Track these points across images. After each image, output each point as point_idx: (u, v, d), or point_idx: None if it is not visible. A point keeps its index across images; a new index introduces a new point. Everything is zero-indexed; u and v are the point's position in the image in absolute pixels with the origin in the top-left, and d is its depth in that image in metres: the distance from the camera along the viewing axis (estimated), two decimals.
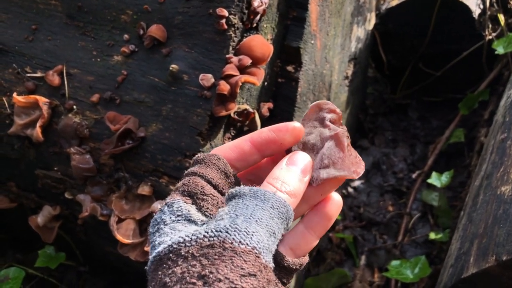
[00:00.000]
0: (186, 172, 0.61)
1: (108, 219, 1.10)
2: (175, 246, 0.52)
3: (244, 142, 0.62)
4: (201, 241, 0.51)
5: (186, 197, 0.58)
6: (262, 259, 0.51)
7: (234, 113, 1.10)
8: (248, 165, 0.64)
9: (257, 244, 0.51)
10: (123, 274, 1.54)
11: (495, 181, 1.15)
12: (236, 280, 0.48)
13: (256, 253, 0.51)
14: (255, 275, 0.50)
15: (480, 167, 1.33)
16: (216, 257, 0.49)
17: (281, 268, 0.59)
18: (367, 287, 1.66)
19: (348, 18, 1.51)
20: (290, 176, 0.59)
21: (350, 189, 1.90)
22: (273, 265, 0.55)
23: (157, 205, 1.06)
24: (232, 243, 0.50)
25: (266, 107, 1.21)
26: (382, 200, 1.87)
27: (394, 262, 1.51)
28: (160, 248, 0.53)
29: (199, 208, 0.57)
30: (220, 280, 0.48)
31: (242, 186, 0.58)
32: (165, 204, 0.58)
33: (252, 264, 0.50)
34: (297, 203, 0.60)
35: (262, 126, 1.18)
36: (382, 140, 2.03)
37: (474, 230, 1.13)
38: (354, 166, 0.62)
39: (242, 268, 0.49)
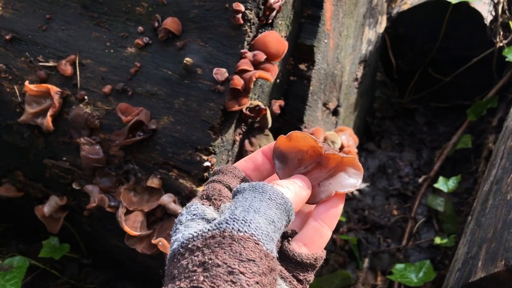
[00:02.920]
0: (205, 183, 0.65)
1: (115, 211, 1.10)
2: (185, 242, 0.54)
3: (256, 154, 0.68)
4: (205, 234, 0.53)
5: (204, 200, 0.61)
6: (263, 247, 0.52)
7: (246, 108, 1.10)
8: (263, 176, 0.68)
9: (255, 231, 0.53)
10: (125, 268, 1.53)
11: (505, 186, 1.14)
12: (234, 264, 0.49)
13: (255, 240, 0.52)
14: (254, 261, 0.51)
15: (489, 173, 1.32)
16: (216, 245, 0.51)
17: (295, 264, 0.60)
18: None
19: (360, 20, 1.51)
20: (290, 183, 0.62)
21: (355, 192, 1.90)
22: (276, 254, 0.56)
23: (166, 198, 1.05)
24: (231, 231, 0.52)
25: (277, 105, 1.20)
26: (387, 204, 1.86)
27: (399, 266, 1.51)
28: (174, 246, 0.56)
29: (216, 209, 0.60)
30: (218, 265, 0.49)
31: (240, 185, 0.60)
32: (185, 207, 0.61)
33: (251, 250, 0.51)
34: (299, 204, 0.62)
35: (273, 124, 1.18)
36: (389, 144, 2.02)
37: (482, 235, 1.13)
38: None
39: (240, 254, 0.50)
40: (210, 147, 1.04)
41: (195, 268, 0.50)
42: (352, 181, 0.66)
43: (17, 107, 1.19)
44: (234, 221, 0.53)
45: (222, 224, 0.53)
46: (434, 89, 2.00)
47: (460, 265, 1.17)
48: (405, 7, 1.88)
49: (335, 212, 0.63)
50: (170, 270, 0.54)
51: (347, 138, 1.43)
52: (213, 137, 1.04)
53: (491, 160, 1.40)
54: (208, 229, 0.53)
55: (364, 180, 1.91)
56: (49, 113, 1.13)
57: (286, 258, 0.61)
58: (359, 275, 1.69)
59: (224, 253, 0.50)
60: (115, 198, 1.11)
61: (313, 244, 0.62)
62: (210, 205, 0.60)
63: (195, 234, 0.54)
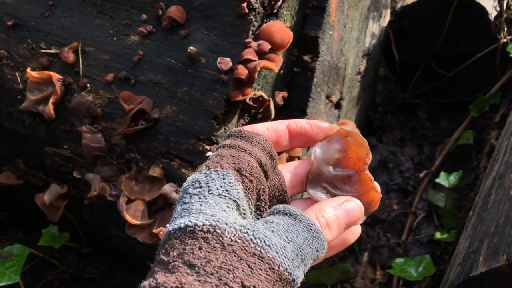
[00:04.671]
0: (227, 143, 0.58)
1: (117, 200, 1.09)
2: (218, 230, 0.48)
3: (280, 125, 0.61)
4: (248, 243, 0.48)
5: (237, 173, 0.54)
6: None
7: (249, 99, 1.09)
8: (277, 151, 0.62)
9: (296, 279, 0.50)
10: (125, 259, 1.53)
11: (508, 182, 1.14)
12: None
13: (292, 286, 0.50)
14: None
15: (491, 168, 1.32)
16: (262, 273, 0.47)
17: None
18: (369, 284, 1.65)
19: (364, 12, 1.50)
20: (337, 224, 0.57)
21: None
22: None
23: (168, 187, 1.05)
24: (279, 266, 0.48)
25: (280, 96, 1.20)
26: (387, 198, 1.86)
27: (399, 260, 1.51)
28: (199, 221, 0.48)
29: (246, 188, 0.54)
30: None
31: (295, 208, 0.55)
32: (215, 171, 0.53)
33: None
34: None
35: (275, 115, 1.17)
36: (390, 139, 2.02)
37: (484, 230, 1.12)
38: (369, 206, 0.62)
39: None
40: (213, 137, 1.04)
41: (234, 286, 0.44)
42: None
43: (19, 94, 1.18)
44: (286, 258, 0.49)
45: (272, 250, 0.48)
46: (436, 84, 1.99)
47: (461, 260, 1.16)
48: (409, 1, 1.87)
49: (340, 249, 0.62)
50: (185, 248, 0.47)
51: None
52: (216, 127, 1.04)
53: (494, 156, 1.40)
54: (251, 239, 0.48)
55: None
56: (50, 101, 1.12)
57: None
58: (358, 268, 1.69)
59: (267, 287, 0.47)
60: (116, 187, 1.11)
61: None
62: (242, 182, 0.54)
63: (231, 229, 0.48)
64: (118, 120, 1.09)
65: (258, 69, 1.00)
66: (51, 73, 1.13)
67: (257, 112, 1.15)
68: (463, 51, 1.86)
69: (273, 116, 1.16)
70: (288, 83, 1.26)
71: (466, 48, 1.85)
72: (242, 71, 1.01)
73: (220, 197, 0.51)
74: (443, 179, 1.63)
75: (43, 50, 1.17)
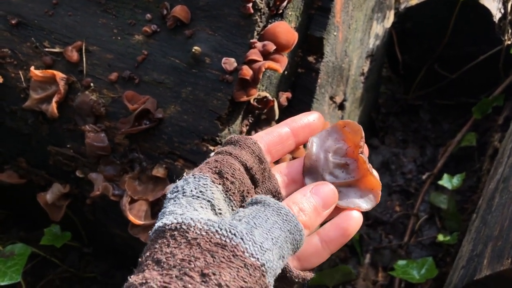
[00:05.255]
0: (218, 150, 0.60)
1: (119, 200, 1.09)
2: (184, 226, 0.49)
3: (279, 126, 0.63)
4: (213, 235, 0.49)
5: (215, 176, 0.56)
6: (266, 279, 0.49)
7: (254, 99, 1.09)
8: (283, 152, 0.63)
9: (266, 263, 0.49)
10: (126, 258, 1.52)
11: None
12: None
13: (263, 271, 0.49)
14: None
15: (495, 171, 1.31)
16: (224, 260, 0.47)
17: (281, 277, 0.56)
18: (371, 285, 1.65)
19: (369, 13, 1.49)
20: (311, 207, 0.57)
21: None
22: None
23: (171, 187, 1.04)
24: (244, 252, 0.48)
25: (284, 97, 1.19)
26: (389, 200, 1.85)
27: (401, 262, 1.50)
28: (168, 220, 0.51)
29: (226, 190, 0.55)
30: (220, 286, 0.45)
31: (264, 196, 0.56)
32: (192, 175, 0.56)
33: (256, 281, 0.48)
34: (309, 234, 0.58)
35: (279, 116, 1.17)
36: (393, 140, 2.02)
37: (488, 233, 1.12)
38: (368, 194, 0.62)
39: (244, 281, 0.47)
40: (216, 138, 1.03)
41: (193, 274, 0.45)
42: (361, 202, 0.61)
43: (22, 93, 1.18)
44: (251, 242, 0.49)
45: (236, 236, 0.49)
46: (439, 86, 1.99)
47: (464, 263, 1.16)
48: (413, 2, 1.86)
49: (342, 241, 0.59)
50: (155, 249, 0.49)
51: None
52: (220, 128, 1.03)
53: (498, 158, 1.39)
54: (217, 231, 0.49)
55: None
56: (54, 100, 1.12)
57: None
58: (360, 270, 1.68)
59: (230, 273, 0.46)
60: (119, 187, 1.10)
61: (307, 262, 0.59)
62: (220, 184, 0.55)
63: (198, 225, 0.49)
64: (122, 119, 1.09)
65: (263, 69, 1.00)
66: (55, 72, 1.12)
67: (261, 113, 1.15)
68: (467, 52, 1.85)
69: (277, 117, 1.16)
70: (292, 84, 1.26)
71: (469, 50, 1.85)
72: (247, 72, 1.00)
73: (193, 198, 0.53)
74: (446, 181, 1.62)
75: (46, 49, 1.16)
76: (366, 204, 0.61)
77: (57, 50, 1.16)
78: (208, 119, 1.04)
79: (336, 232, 0.59)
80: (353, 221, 0.59)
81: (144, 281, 0.45)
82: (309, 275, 0.59)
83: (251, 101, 1.08)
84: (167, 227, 0.50)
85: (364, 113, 1.82)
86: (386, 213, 1.82)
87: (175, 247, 0.48)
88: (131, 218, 1.04)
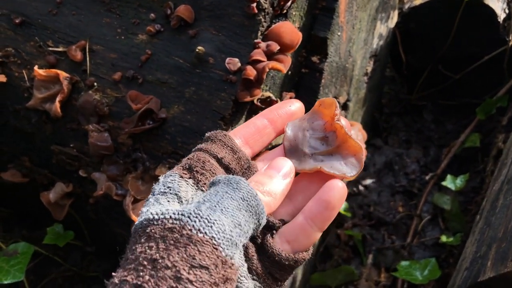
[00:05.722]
0: (193, 149, 0.61)
1: (122, 199, 1.09)
2: (145, 222, 0.51)
3: (256, 117, 0.64)
4: (166, 221, 0.49)
5: (184, 171, 0.57)
6: (221, 252, 0.48)
7: (257, 100, 1.08)
8: (263, 142, 0.64)
9: (216, 234, 0.48)
10: None
11: None
12: (184, 270, 0.46)
13: (214, 244, 0.48)
14: (207, 268, 0.47)
15: (499, 172, 1.31)
16: (172, 242, 0.47)
17: (272, 262, 0.56)
18: (373, 286, 1.64)
19: (373, 14, 1.49)
20: (267, 179, 0.57)
21: (360, 187, 1.89)
22: (237, 261, 0.52)
23: None
24: (190, 230, 0.48)
25: (288, 97, 1.19)
26: (392, 201, 1.85)
27: (404, 263, 1.50)
28: (138, 221, 0.52)
29: (197, 183, 0.57)
30: (167, 267, 0.45)
31: (220, 175, 0.56)
32: (163, 175, 0.58)
33: (207, 256, 0.47)
34: (276, 203, 0.57)
35: None
36: (396, 140, 2.01)
37: (492, 234, 1.12)
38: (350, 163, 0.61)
39: (193, 258, 0.46)
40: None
41: (145, 262, 0.46)
42: (345, 168, 0.59)
43: (25, 92, 1.18)
44: (197, 218, 0.49)
45: (184, 216, 0.49)
46: (443, 86, 1.98)
47: (468, 264, 1.16)
48: (417, 2, 1.86)
49: (327, 215, 0.57)
50: (130, 247, 0.51)
51: (356, 133, 1.42)
52: (223, 128, 1.03)
53: (502, 159, 1.39)
54: (170, 216, 0.49)
55: (370, 176, 1.90)
56: (57, 99, 1.12)
57: (264, 253, 0.57)
58: (363, 271, 1.68)
59: (178, 253, 0.46)
60: (122, 187, 1.10)
61: (297, 243, 0.57)
62: (190, 178, 0.56)
63: (156, 217, 0.50)
64: (125, 119, 1.09)
65: (267, 70, 1.00)
66: (58, 71, 1.12)
67: None
68: (471, 53, 1.85)
69: None
70: (296, 84, 1.26)
71: (473, 50, 1.84)
72: (251, 72, 1.00)
73: (161, 194, 0.54)
74: (449, 182, 1.62)
75: (50, 48, 1.16)
76: (350, 170, 0.59)
77: (60, 49, 1.16)
78: (212, 119, 1.04)
79: (318, 206, 0.57)
80: (335, 191, 0.56)
81: (112, 280, 0.48)
82: (302, 257, 0.57)
83: (255, 101, 1.08)
84: (137, 227, 0.52)
85: (367, 113, 1.82)
86: (389, 213, 1.82)
87: (136, 243, 0.50)
88: (134, 218, 1.03)
